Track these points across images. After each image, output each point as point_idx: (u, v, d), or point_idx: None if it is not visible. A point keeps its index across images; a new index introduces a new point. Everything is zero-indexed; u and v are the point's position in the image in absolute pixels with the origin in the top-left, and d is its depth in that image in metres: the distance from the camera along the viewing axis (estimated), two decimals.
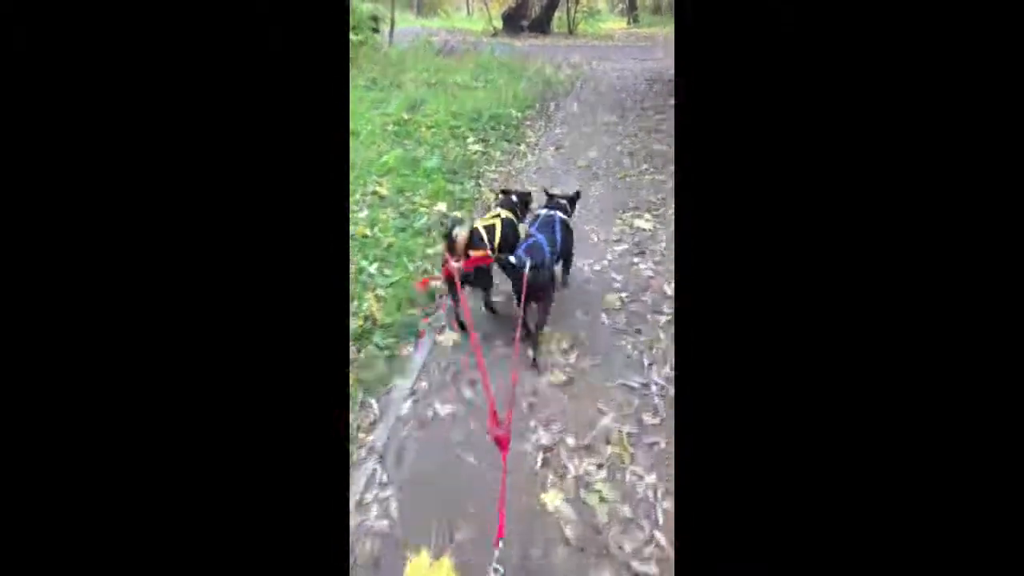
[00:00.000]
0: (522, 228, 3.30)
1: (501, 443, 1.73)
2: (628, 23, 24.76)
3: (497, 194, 3.68)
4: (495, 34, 19.47)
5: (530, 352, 2.87)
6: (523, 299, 2.74)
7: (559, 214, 3.18)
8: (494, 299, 3.21)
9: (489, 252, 2.91)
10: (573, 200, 3.46)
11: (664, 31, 20.83)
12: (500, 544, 1.50)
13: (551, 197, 3.41)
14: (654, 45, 16.78)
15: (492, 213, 3.23)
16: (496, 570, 1.44)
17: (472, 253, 2.82)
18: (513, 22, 20.24)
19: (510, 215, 3.26)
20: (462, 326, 3.07)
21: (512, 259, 2.75)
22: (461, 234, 2.79)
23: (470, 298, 3.15)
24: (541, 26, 20.15)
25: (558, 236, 3.08)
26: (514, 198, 3.45)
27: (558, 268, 3.29)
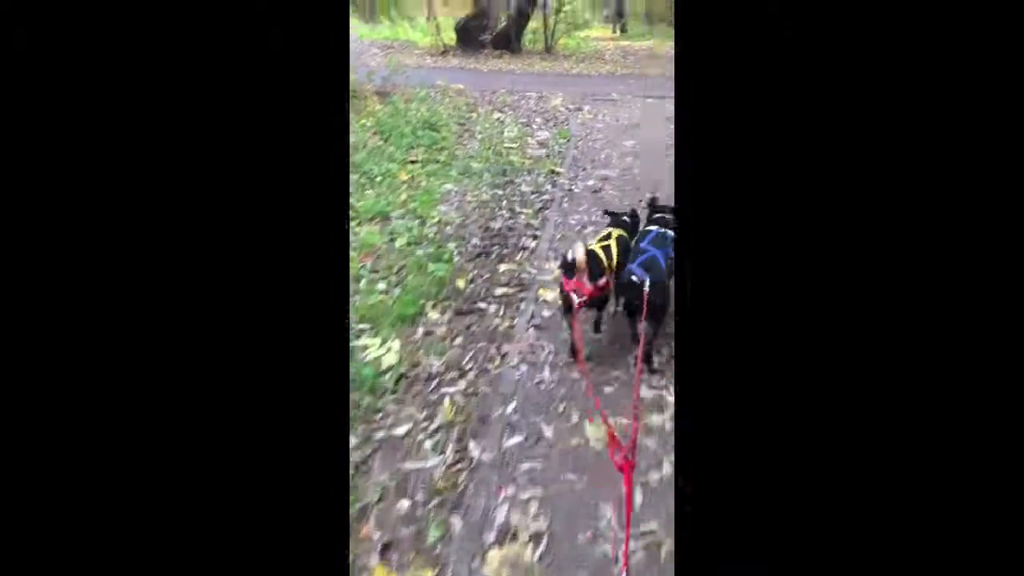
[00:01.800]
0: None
1: (625, 470, 1.62)
2: (614, 31, 22.81)
3: (605, 214, 3.63)
4: (444, 52, 15.02)
5: (647, 364, 2.82)
6: (643, 316, 2.64)
7: (669, 232, 3.08)
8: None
9: (608, 277, 2.85)
10: (677, 213, 3.23)
11: (665, 46, 16.98)
12: None
13: (655, 209, 3.31)
14: (664, 73, 12.18)
15: (603, 234, 3.17)
16: None
17: (586, 280, 2.74)
18: (470, 36, 15.40)
19: (623, 233, 3.18)
20: (573, 352, 2.94)
21: (634, 277, 2.68)
22: (579, 256, 2.72)
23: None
24: (507, 42, 15.30)
25: (671, 251, 2.96)
26: (626, 218, 3.37)
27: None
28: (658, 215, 3.30)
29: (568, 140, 7.42)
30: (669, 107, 7.54)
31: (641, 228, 3.29)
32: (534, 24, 16.12)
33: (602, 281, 2.81)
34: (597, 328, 3.15)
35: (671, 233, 3.08)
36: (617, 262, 2.97)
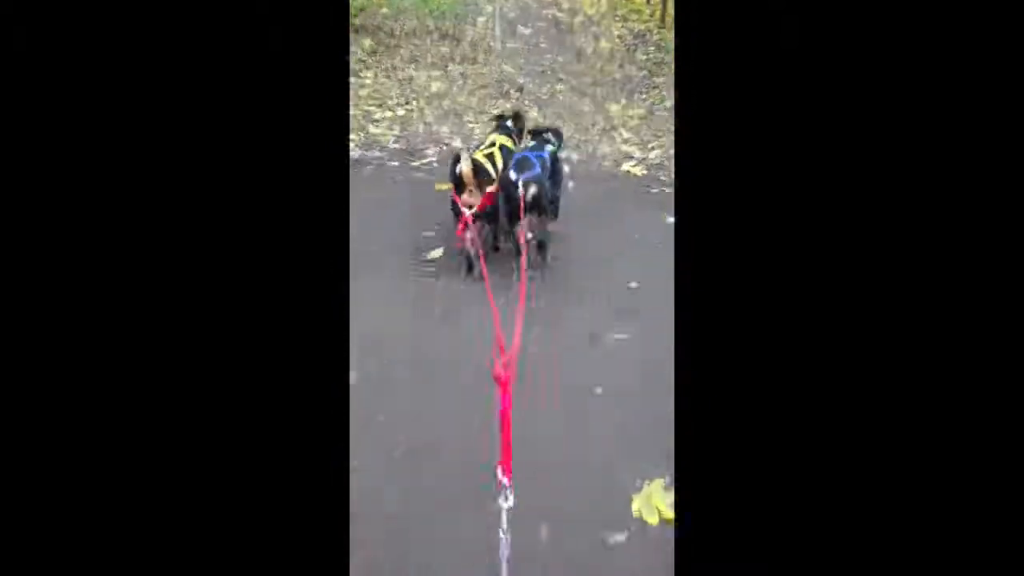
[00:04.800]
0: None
1: (502, 383, 1.55)
2: None
3: (491, 120, 3.62)
4: None
5: (538, 259, 2.90)
6: (521, 212, 2.71)
7: (548, 148, 3.16)
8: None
9: (494, 191, 2.83)
10: (559, 134, 3.43)
11: None
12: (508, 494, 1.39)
13: (536, 133, 3.38)
14: None
15: (488, 143, 3.15)
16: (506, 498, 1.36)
17: (473, 189, 2.73)
18: None
19: (506, 141, 3.18)
20: (469, 267, 2.96)
21: (512, 175, 2.73)
22: (464, 168, 2.72)
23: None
24: None
25: (547, 158, 3.04)
26: (509, 123, 3.35)
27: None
28: (543, 133, 3.36)
29: None
30: None
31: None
32: None
33: (491, 188, 2.80)
34: (496, 247, 3.13)
35: (547, 149, 3.14)
36: (501, 172, 2.95)
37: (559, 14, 8.74)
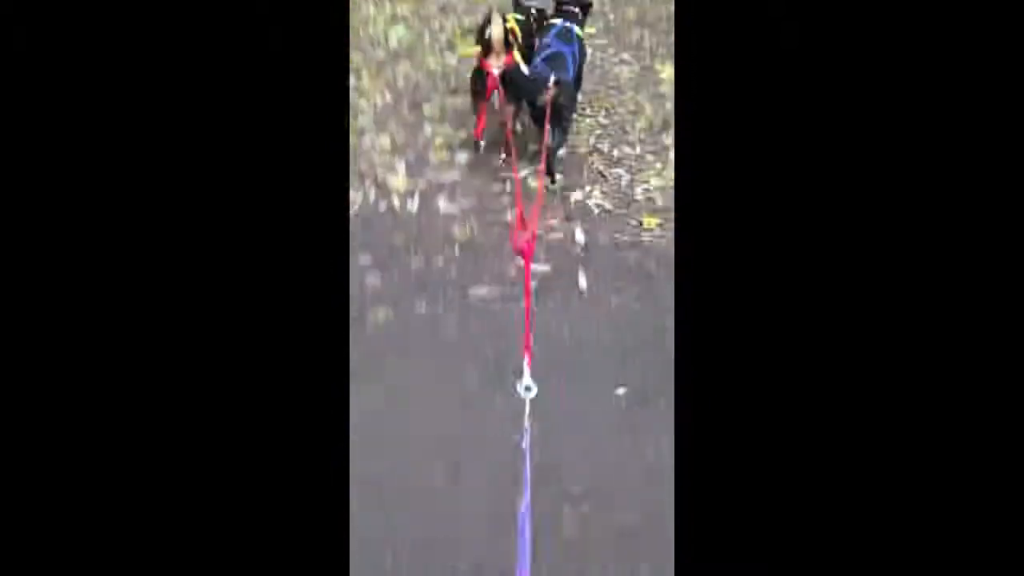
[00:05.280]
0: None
1: (524, 253, 1.60)
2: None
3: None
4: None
5: (548, 176, 2.71)
6: (547, 117, 2.49)
7: (575, 27, 2.91)
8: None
9: (517, 53, 2.68)
10: (586, 7, 3.12)
11: None
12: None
13: (561, 3, 3.12)
14: None
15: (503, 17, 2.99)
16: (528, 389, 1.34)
17: (501, 53, 2.61)
18: None
19: (524, 19, 3.05)
20: (477, 143, 2.87)
21: (537, 69, 2.54)
22: (495, 31, 2.60)
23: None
24: None
25: (577, 49, 2.82)
26: (534, 10, 3.19)
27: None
28: (565, 5, 3.11)
29: None
30: None
31: (552, 21, 3.12)
32: None
33: (512, 51, 2.67)
34: (512, 131, 2.93)
35: (576, 28, 2.92)
36: (521, 46, 2.84)
37: None
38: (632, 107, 3.52)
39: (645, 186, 2.97)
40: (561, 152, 2.86)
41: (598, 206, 2.84)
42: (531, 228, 1.68)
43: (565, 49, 2.74)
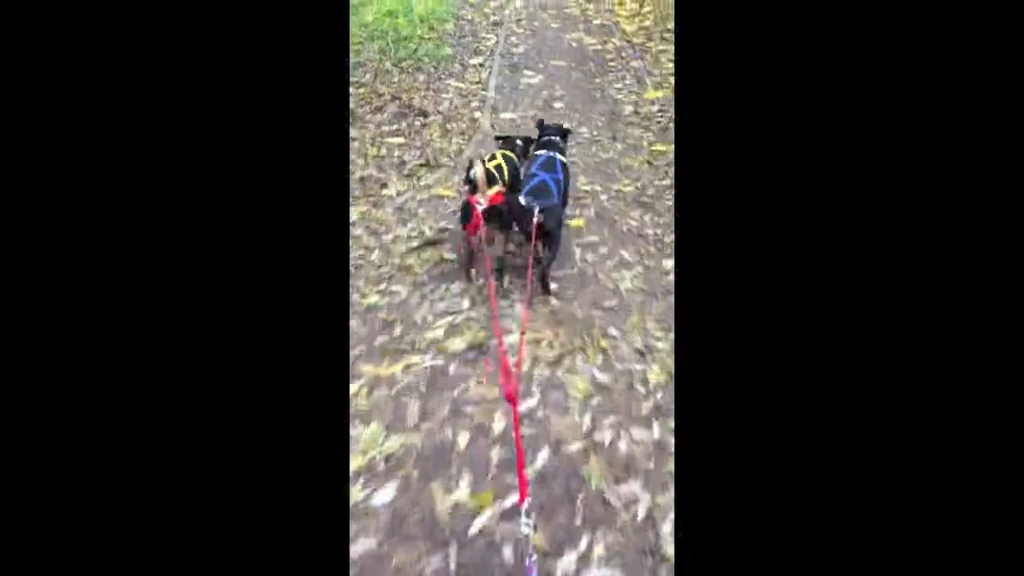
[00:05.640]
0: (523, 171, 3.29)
1: (512, 399, 1.69)
2: None
3: (496, 139, 3.70)
4: None
5: (541, 286, 2.93)
6: (533, 241, 2.73)
7: (557, 155, 3.12)
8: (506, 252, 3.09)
9: (502, 188, 2.93)
10: (564, 135, 3.39)
11: None
12: (526, 504, 1.45)
13: (543, 130, 3.35)
14: None
15: (490, 155, 3.22)
16: (527, 524, 1.40)
17: (486, 192, 2.84)
18: None
19: (508, 154, 3.29)
20: (468, 271, 3.08)
21: (522, 200, 2.75)
22: (478, 172, 2.83)
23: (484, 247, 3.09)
24: None
25: (561, 176, 3.02)
26: (519, 142, 3.47)
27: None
28: (546, 137, 3.32)
29: None
30: None
31: (536, 152, 3.28)
32: None
33: (499, 188, 2.91)
34: (499, 270, 3.06)
35: (559, 157, 3.12)
36: (508, 179, 3.10)
37: (588, 40, 7.55)
38: None
39: None
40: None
41: None
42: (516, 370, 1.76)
43: (548, 177, 2.94)
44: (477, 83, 6.06)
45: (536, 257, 2.78)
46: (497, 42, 7.42)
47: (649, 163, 4.43)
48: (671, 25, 7.74)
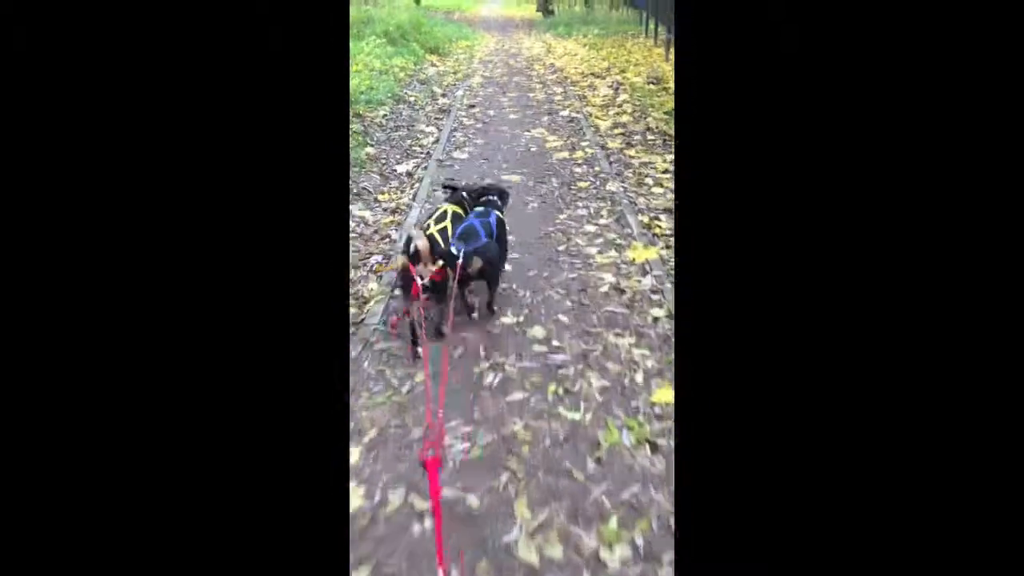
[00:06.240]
0: None
1: (429, 467, 1.56)
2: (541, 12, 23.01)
3: (443, 188, 3.60)
4: None
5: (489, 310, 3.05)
6: (457, 280, 2.75)
7: (495, 213, 3.21)
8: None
9: (443, 269, 2.78)
10: (504, 195, 3.45)
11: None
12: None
13: (484, 192, 3.40)
14: None
15: (440, 211, 3.18)
16: None
17: (431, 265, 2.75)
18: None
19: (457, 209, 3.23)
20: (414, 338, 2.87)
21: (453, 249, 2.78)
22: (421, 244, 2.74)
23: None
24: None
25: (493, 223, 3.09)
26: (464, 194, 3.41)
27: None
28: (487, 195, 3.37)
29: None
30: None
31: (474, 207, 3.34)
32: None
33: (438, 265, 2.76)
34: (439, 333, 2.96)
35: (494, 214, 3.17)
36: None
37: (552, 141, 5.97)
38: None
39: None
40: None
41: None
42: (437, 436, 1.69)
43: (476, 221, 3.01)
44: (392, 211, 4.38)
45: (467, 304, 2.97)
46: (438, 140, 6.06)
47: (650, 446, 2.26)
48: (652, 121, 6.60)
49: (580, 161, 5.52)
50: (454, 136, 6.18)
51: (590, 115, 7.08)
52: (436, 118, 6.72)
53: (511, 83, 9.05)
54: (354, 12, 11.28)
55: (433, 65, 10.61)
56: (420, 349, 2.72)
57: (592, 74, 9.58)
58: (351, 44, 6.84)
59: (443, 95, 7.76)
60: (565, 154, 5.72)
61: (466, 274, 2.76)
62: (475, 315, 3.02)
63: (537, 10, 24.08)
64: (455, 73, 10.01)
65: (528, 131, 6.47)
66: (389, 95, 6.87)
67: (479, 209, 3.22)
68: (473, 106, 7.49)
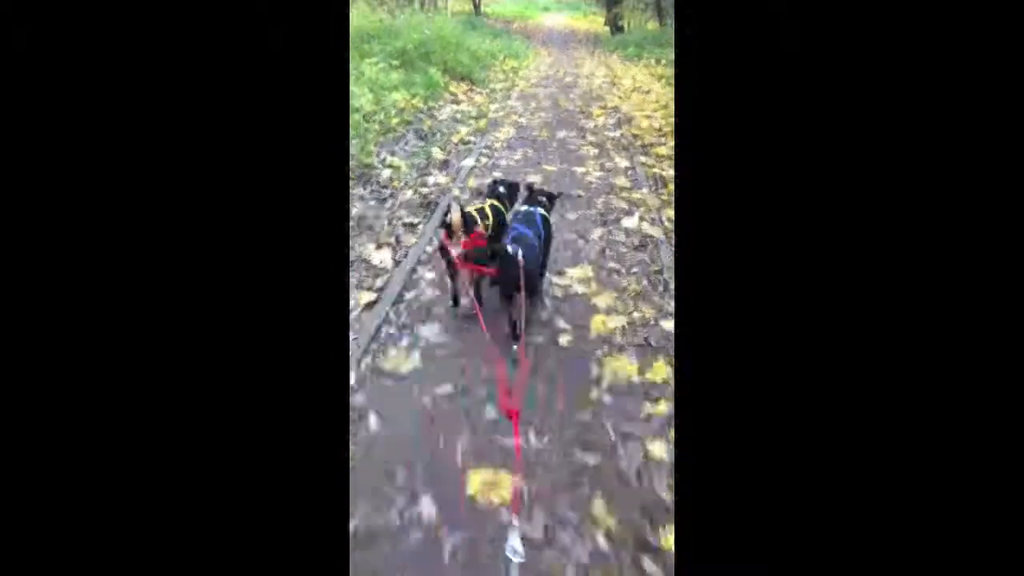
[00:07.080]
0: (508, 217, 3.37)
1: (513, 416, 1.85)
2: (609, 28, 21.85)
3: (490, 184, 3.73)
4: None
5: (515, 346, 2.94)
6: (521, 289, 2.76)
7: (540, 210, 3.21)
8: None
9: (483, 232, 3.02)
10: (553, 197, 3.48)
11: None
12: (516, 520, 1.49)
13: (532, 192, 3.43)
14: None
15: (479, 204, 3.34)
16: (514, 551, 1.41)
17: (461, 236, 2.92)
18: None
19: (497, 204, 3.40)
20: (455, 302, 3.22)
21: (508, 248, 2.80)
22: (455, 216, 2.90)
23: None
24: None
25: (541, 231, 3.10)
26: (501, 188, 3.56)
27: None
28: (533, 195, 3.41)
29: None
30: None
31: (520, 207, 3.37)
32: None
33: (477, 229, 3.00)
34: (479, 299, 3.10)
35: (539, 211, 3.21)
36: (492, 223, 3.23)
37: (598, 302, 2.96)
38: None
39: None
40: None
41: None
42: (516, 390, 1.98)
43: (528, 231, 3.03)
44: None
45: (510, 319, 2.92)
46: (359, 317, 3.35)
47: None
48: None
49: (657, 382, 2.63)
50: (404, 296, 3.33)
51: (652, 168, 4.42)
52: (406, 223, 3.97)
53: (552, 142, 6.11)
54: (366, 23, 9.58)
55: (454, 101, 7.86)
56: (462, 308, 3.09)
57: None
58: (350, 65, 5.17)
59: (445, 160, 5.04)
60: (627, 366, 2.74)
61: (512, 276, 2.76)
62: (518, 332, 2.93)
63: (605, 24, 23.25)
64: (478, 118, 7.09)
65: (560, 276, 3.53)
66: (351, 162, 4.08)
67: (524, 209, 3.23)
68: (494, 150, 5.08)
